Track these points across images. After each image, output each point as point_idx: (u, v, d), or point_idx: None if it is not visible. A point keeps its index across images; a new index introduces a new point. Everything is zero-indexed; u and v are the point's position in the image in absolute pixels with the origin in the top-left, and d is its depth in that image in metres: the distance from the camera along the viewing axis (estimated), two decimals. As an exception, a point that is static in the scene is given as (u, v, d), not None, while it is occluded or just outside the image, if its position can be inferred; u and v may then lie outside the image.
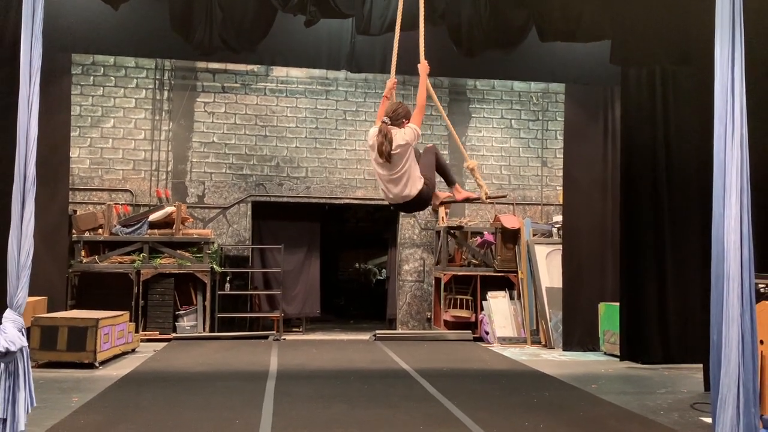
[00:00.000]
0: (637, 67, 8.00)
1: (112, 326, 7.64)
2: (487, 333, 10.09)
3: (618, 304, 8.22)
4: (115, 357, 7.76)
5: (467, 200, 5.59)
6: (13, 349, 3.61)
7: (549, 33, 7.17)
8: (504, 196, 9.15)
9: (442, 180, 5.53)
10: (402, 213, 5.42)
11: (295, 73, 11.07)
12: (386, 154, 4.77)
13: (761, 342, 4.82)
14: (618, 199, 8.52)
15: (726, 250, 3.93)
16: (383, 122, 4.90)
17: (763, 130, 5.41)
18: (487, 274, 10.49)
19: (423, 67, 5.27)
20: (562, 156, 10.12)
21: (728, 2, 3.91)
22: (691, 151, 7.38)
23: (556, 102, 11.61)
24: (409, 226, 11.41)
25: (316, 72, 10.94)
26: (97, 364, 7.14)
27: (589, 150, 9.35)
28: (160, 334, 9.46)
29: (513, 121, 11.80)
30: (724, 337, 4.05)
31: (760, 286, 5.04)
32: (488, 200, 5.69)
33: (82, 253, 9.53)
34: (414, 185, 4.90)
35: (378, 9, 6.88)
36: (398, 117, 4.93)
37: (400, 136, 4.87)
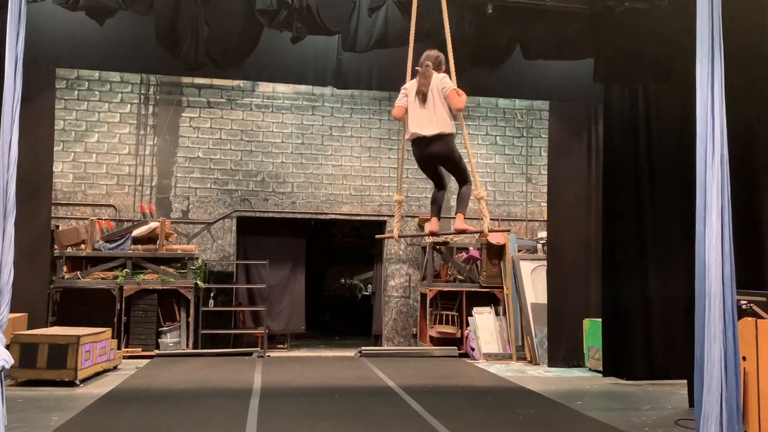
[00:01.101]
0: (619, 86, 8.10)
1: (94, 343, 7.54)
2: (473, 349, 10.08)
3: (601, 319, 8.26)
4: (97, 374, 7.65)
5: (464, 232, 5.63)
6: (7, 366, 3.62)
7: (533, 51, 7.27)
8: (508, 230, 9.21)
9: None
10: (429, 167, 5.43)
11: (282, 88, 11.09)
12: (423, 93, 5.12)
13: (744, 358, 4.87)
14: (601, 215, 8.59)
15: (707, 268, 3.97)
16: (426, 65, 5.21)
17: (743, 148, 5.49)
18: (472, 289, 10.50)
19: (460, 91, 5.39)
20: (546, 172, 10.20)
21: (707, 25, 3.99)
22: (674, 168, 7.47)
23: (541, 119, 11.73)
24: (394, 242, 11.40)
25: (303, 88, 10.97)
26: (77, 382, 7.03)
27: (573, 167, 9.43)
28: (142, 350, 9.34)
29: (498, 137, 11.89)
30: (707, 354, 4.08)
31: (742, 302, 5.10)
32: (489, 233, 5.73)
33: (64, 268, 9.42)
34: (448, 125, 5.17)
35: (364, 26, 6.92)
36: (439, 63, 5.32)
37: (439, 77, 5.25)
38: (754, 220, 6.38)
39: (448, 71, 5.40)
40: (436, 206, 5.61)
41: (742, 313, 5.06)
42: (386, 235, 5.63)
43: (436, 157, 5.27)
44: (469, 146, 5.52)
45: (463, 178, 5.47)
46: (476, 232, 5.92)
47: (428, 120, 5.11)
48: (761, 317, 5.21)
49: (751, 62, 6.43)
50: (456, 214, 5.52)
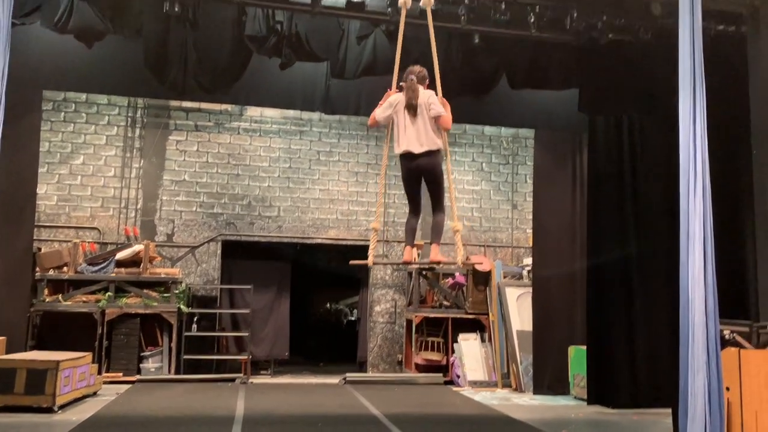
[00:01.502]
0: (604, 115, 8.21)
1: (74, 368, 7.40)
2: (459, 376, 10.02)
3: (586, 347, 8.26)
4: (76, 400, 7.50)
5: (439, 263, 5.66)
6: None
7: (519, 81, 7.37)
8: (481, 263, 9.20)
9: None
10: (419, 181, 5.39)
11: (270, 113, 11.12)
12: (414, 107, 5.11)
13: (727, 389, 4.87)
14: (586, 243, 8.63)
15: (691, 298, 3.99)
16: (411, 79, 5.19)
17: (726, 180, 5.56)
18: (458, 316, 10.47)
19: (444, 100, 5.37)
20: (531, 199, 10.27)
21: (689, 60, 4.07)
22: (658, 198, 7.55)
23: (526, 147, 11.84)
24: (381, 267, 11.38)
25: (291, 112, 11.01)
26: (56, 408, 6.88)
27: (558, 194, 9.50)
28: (123, 376, 9.19)
29: (484, 164, 11.97)
30: (691, 385, 4.09)
31: (725, 332, 5.12)
32: (463, 265, 5.76)
33: (46, 291, 9.28)
34: (436, 142, 5.20)
35: (353, 54, 7.00)
36: (423, 78, 5.29)
37: (426, 93, 5.24)
38: (737, 250, 6.46)
39: (432, 87, 5.40)
40: (412, 235, 5.59)
41: (725, 343, 5.08)
42: (361, 261, 5.59)
43: (424, 171, 5.27)
44: (452, 179, 5.53)
45: (440, 202, 5.46)
46: (451, 263, 5.94)
47: (417, 136, 5.14)
48: (744, 347, 5.23)
49: (732, 95, 6.56)
50: (431, 244, 5.51)
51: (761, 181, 6.30)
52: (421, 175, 5.28)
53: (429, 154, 5.15)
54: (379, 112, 5.27)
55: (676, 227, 4.32)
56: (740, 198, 6.67)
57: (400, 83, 5.31)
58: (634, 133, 8.27)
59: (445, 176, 5.38)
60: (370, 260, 5.53)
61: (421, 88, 5.24)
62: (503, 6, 6.62)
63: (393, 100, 5.23)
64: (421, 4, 5.27)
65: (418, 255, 11.03)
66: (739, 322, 5.49)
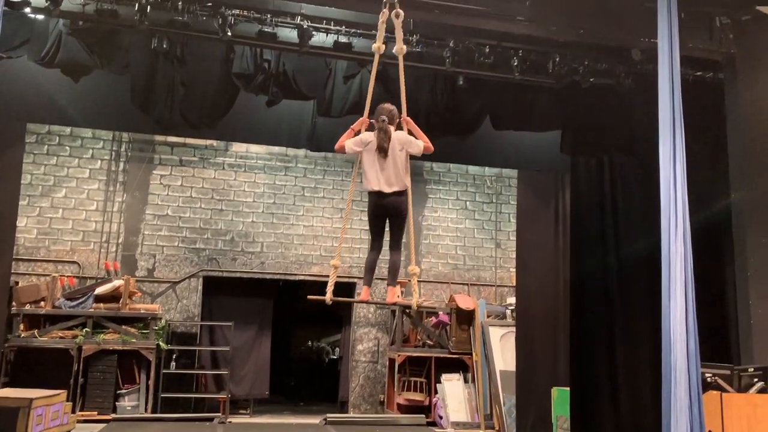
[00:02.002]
0: (585, 157, 8.32)
1: (47, 406, 7.21)
2: (441, 417, 9.89)
3: (569, 389, 8.20)
4: (48, 440, 7.29)
5: (395, 304, 5.63)
6: None
7: (502, 122, 7.49)
8: (434, 308, 9.17)
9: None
10: (386, 218, 5.33)
11: (255, 148, 11.14)
12: (385, 150, 5.08)
13: (710, 432, 4.85)
14: (569, 283, 8.65)
15: (673, 341, 4.00)
16: (381, 120, 5.13)
17: (706, 224, 5.64)
18: (441, 355, 10.39)
19: (409, 120, 5.36)
20: (515, 238, 10.31)
21: (668, 105, 4.16)
22: (640, 238, 7.61)
23: (510, 186, 11.94)
24: (364, 305, 11.30)
25: (276, 148, 11.04)
26: (26, 449, 6.68)
27: (541, 234, 9.54)
28: (98, 414, 8.95)
29: (468, 202, 12.04)
30: (673, 428, 4.08)
31: (707, 375, 5.13)
32: (418, 308, 5.75)
33: (21, 326, 9.07)
34: (406, 182, 5.19)
35: (339, 92, 7.09)
36: (393, 117, 5.21)
37: (397, 134, 5.20)
38: (718, 294, 6.52)
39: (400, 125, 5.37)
40: (371, 273, 5.51)
41: (707, 386, 5.08)
42: (319, 297, 5.53)
43: (391, 210, 5.24)
44: (412, 219, 5.51)
45: (399, 242, 5.44)
46: (407, 305, 5.88)
47: (387, 177, 5.13)
48: (726, 391, 5.23)
49: (710, 140, 6.71)
50: (388, 287, 5.50)
51: (740, 225, 6.39)
52: (387, 214, 5.27)
53: (398, 194, 5.17)
54: (350, 145, 5.22)
55: (658, 269, 4.36)
56: (720, 241, 6.76)
57: (371, 120, 5.30)
58: (616, 175, 8.38)
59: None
60: (328, 297, 5.42)
61: (391, 128, 5.23)
62: (487, 49, 6.77)
63: (365, 139, 5.20)
64: (394, 51, 5.33)
65: (401, 294, 11.00)
66: (721, 366, 5.50)
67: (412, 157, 9.53)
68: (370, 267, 5.45)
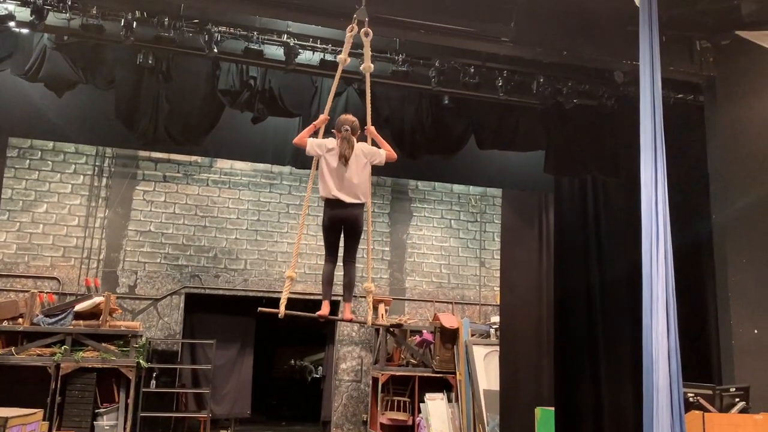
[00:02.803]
0: (569, 177, 8.40)
1: (23, 425, 7.05)
2: (424, 437, 9.82)
3: (553, 409, 8.18)
4: (22, 460, 7.12)
5: (350, 321, 5.51)
6: None
7: (487, 142, 7.55)
8: (399, 326, 9.13)
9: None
10: (343, 231, 5.21)
11: (240, 165, 11.11)
12: (347, 158, 4.98)
13: (692, 453, 4.85)
14: (552, 302, 8.67)
15: (655, 361, 4.02)
16: (345, 130, 5.04)
17: (687, 244, 5.69)
18: (425, 374, 10.33)
19: (372, 129, 5.33)
20: (499, 257, 10.34)
21: (650, 126, 4.21)
22: (622, 257, 7.67)
23: (494, 205, 12.00)
24: (348, 323, 11.23)
25: (261, 165, 11.01)
26: (0, 469, 6.52)
27: (525, 253, 9.58)
28: (75, 434, 8.78)
29: (452, 221, 12.08)
30: (657, 449, 4.07)
31: (689, 395, 5.14)
32: (373, 325, 5.65)
33: (-2, 343, 8.91)
34: (367, 194, 5.13)
35: (324, 110, 7.08)
36: (356, 128, 5.13)
37: (360, 146, 5.13)
38: (700, 314, 6.56)
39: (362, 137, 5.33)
40: (329, 288, 5.32)
41: (689, 406, 5.09)
42: (272, 310, 5.37)
43: (348, 222, 5.14)
44: (371, 232, 5.44)
45: (354, 256, 5.33)
46: (361, 323, 5.77)
47: (350, 187, 5.05)
48: (708, 410, 5.24)
49: (692, 161, 6.80)
50: (345, 302, 5.34)
51: (721, 245, 6.46)
52: (343, 225, 5.15)
53: (357, 206, 5.09)
54: (312, 145, 5.10)
55: (641, 288, 4.38)
56: (701, 262, 6.83)
57: (332, 130, 5.19)
58: (599, 194, 8.46)
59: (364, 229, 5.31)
60: (281, 311, 5.19)
61: (354, 139, 5.14)
62: (472, 69, 6.83)
63: (328, 144, 5.11)
64: (362, 68, 5.36)
65: (386, 312, 10.97)
66: (703, 386, 5.52)
67: (396, 175, 9.61)
68: (328, 280, 5.28)
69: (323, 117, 5.28)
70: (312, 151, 5.11)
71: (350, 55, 6.62)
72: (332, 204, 5.08)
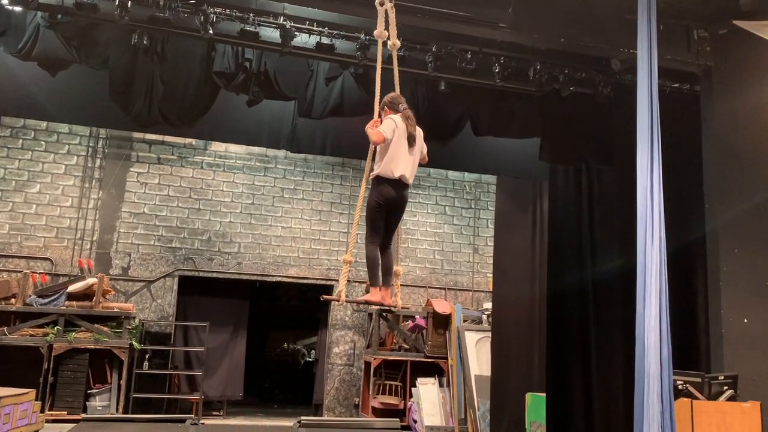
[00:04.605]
0: (564, 165, 8.40)
1: (15, 405, 7.07)
2: (416, 421, 9.89)
3: (544, 394, 8.25)
4: (15, 440, 7.15)
5: (394, 306, 5.34)
6: None
7: (482, 128, 7.53)
8: (411, 312, 8.99)
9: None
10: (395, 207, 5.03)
11: (234, 148, 11.07)
12: (414, 137, 4.90)
13: (680, 439, 4.91)
14: (545, 290, 8.71)
15: (646, 348, 4.05)
16: (406, 108, 4.99)
17: (680, 233, 5.72)
18: (417, 359, 10.40)
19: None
20: (492, 244, 10.36)
21: (647, 115, 4.22)
22: (616, 246, 7.69)
23: (488, 192, 12.01)
24: (341, 307, 11.27)
25: (256, 148, 10.98)
26: (-8, 448, 6.55)
27: (519, 240, 9.60)
28: (68, 414, 8.80)
29: (447, 207, 12.09)
30: (645, 435, 4.11)
31: (678, 383, 5.20)
32: (395, 308, 5.54)
33: (-10, 323, 8.91)
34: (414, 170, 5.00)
35: (320, 94, 7.06)
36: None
37: (419, 129, 5.09)
38: (690, 303, 6.60)
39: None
40: (379, 272, 5.06)
41: (678, 393, 5.15)
42: (332, 297, 5.28)
43: (400, 203, 4.97)
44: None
45: (392, 239, 5.20)
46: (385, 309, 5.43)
47: (412, 167, 4.92)
48: (697, 398, 5.30)
49: (686, 150, 6.81)
50: (387, 287, 5.08)
51: (713, 235, 6.50)
52: (396, 207, 4.96)
53: (408, 187, 4.98)
54: (389, 131, 4.78)
55: (633, 277, 4.41)
56: (694, 251, 6.86)
57: (400, 106, 5.03)
58: (593, 183, 8.45)
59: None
60: (341, 297, 5.07)
61: (413, 118, 5.05)
62: (469, 55, 6.80)
63: (398, 123, 4.88)
64: (388, 46, 5.33)
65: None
66: (692, 373, 5.58)
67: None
68: (376, 263, 5.02)
69: (374, 121, 5.02)
70: (390, 134, 4.79)
71: (346, 39, 6.63)
72: (393, 184, 4.83)
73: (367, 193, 5.03)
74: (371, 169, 4.95)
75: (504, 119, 7.58)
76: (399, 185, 4.84)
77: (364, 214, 4.98)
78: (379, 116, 5.01)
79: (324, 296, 5.47)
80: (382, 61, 5.23)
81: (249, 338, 11.38)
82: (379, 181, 4.83)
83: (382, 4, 5.12)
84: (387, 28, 5.27)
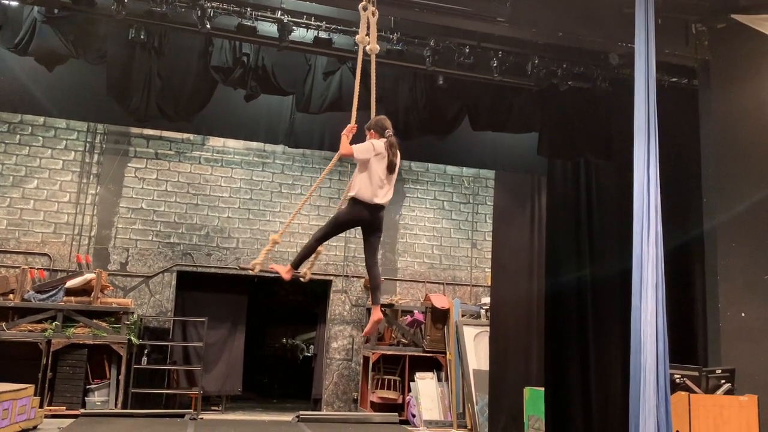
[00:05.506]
0: (562, 160, 8.40)
1: (14, 401, 7.08)
2: (414, 416, 9.92)
3: (542, 389, 8.27)
4: (14, 435, 7.16)
5: (378, 321, 5.32)
6: None
7: (481, 123, 7.52)
8: (391, 305, 8.81)
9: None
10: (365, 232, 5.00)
11: (232, 143, 11.05)
12: (394, 166, 4.84)
13: (677, 433, 4.93)
14: (543, 285, 8.72)
15: (643, 342, 4.06)
16: (391, 135, 4.90)
17: (677, 228, 5.72)
18: (415, 354, 10.42)
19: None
20: (491, 239, 10.37)
21: (644, 109, 4.22)
22: (613, 241, 7.70)
23: (487, 187, 12.01)
24: (339, 302, 11.29)
25: (254, 144, 10.95)
26: (-9, 443, 6.55)
27: (517, 235, 9.61)
28: (67, 409, 8.81)
29: (445, 202, 12.08)
30: (642, 428, 4.12)
31: (675, 376, 5.21)
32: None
33: (-12, 319, 8.90)
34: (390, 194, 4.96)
35: (318, 89, 7.05)
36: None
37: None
38: (687, 297, 6.61)
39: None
40: (305, 260, 5.18)
41: (675, 387, 5.16)
42: (251, 264, 5.38)
43: (374, 223, 4.91)
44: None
45: (377, 255, 5.13)
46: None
47: (389, 192, 4.89)
48: (694, 392, 5.32)
49: (684, 145, 6.81)
50: (374, 306, 5.01)
51: (711, 229, 6.51)
52: (367, 226, 4.92)
53: (383, 207, 4.90)
54: (359, 151, 4.78)
55: (630, 271, 4.42)
56: (691, 245, 6.87)
57: (368, 129, 4.96)
58: (591, 178, 8.46)
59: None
60: (256, 268, 5.25)
61: (396, 145, 4.94)
62: (467, 50, 6.79)
63: (377, 147, 4.83)
64: (367, 49, 5.26)
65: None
66: (689, 367, 5.59)
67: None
68: (308, 253, 5.11)
69: (351, 126, 5.01)
70: (362, 157, 4.77)
71: (344, 33, 6.61)
72: (369, 208, 4.81)
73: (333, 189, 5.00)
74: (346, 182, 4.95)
75: (502, 114, 7.57)
76: (375, 208, 4.85)
77: (316, 205, 5.02)
78: (367, 131, 4.99)
79: (241, 265, 5.52)
80: (372, 65, 5.19)
81: (247, 333, 11.38)
82: (356, 202, 4.83)
83: (365, 9, 5.05)
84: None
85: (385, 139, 4.84)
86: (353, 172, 4.98)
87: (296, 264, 5.17)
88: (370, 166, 4.80)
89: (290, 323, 15.24)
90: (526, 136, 7.93)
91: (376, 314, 4.85)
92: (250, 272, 11.01)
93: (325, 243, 5.20)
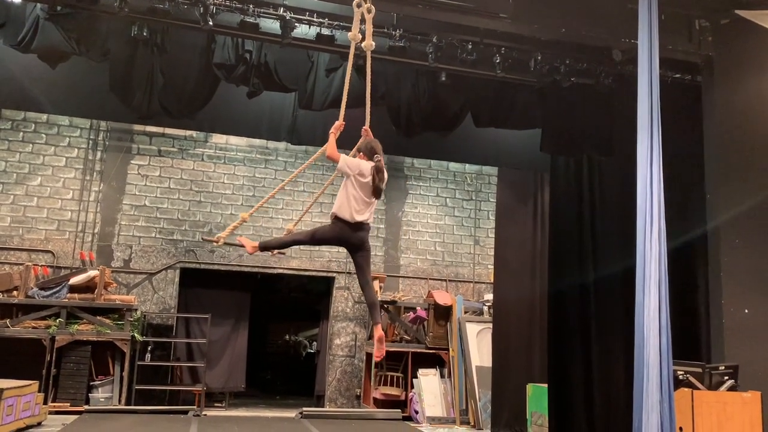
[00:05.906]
0: (565, 156, 8.38)
1: (18, 397, 7.11)
2: (417, 412, 9.93)
3: (545, 385, 8.27)
4: (19, 431, 7.18)
5: (380, 340, 5.27)
6: None
7: (483, 119, 7.51)
8: (393, 302, 8.80)
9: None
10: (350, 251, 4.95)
11: (235, 140, 11.05)
12: (380, 192, 4.76)
13: (680, 429, 4.93)
14: (546, 281, 8.71)
15: (646, 338, 4.06)
16: (380, 160, 4.83)
17: (681, 224, 5.71)
18: (418, 350, 10.42)
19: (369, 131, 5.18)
20: (493, 235, 10.36)
21: (647, 106, 4.21)
22: (616, 238, 7.69)
23: (489, 183, 11.99)
24: (342, 299, 11.30)
25: (256, 141, 10.96)
26: (-4, 440, 6.58)
27: (520, 232, 9.61)
28: (71, 406, 8.84)
29: (448, 199, 12.08)
30: (645, 424, 4.13)
31: (679, 373, 5.21)
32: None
33: (-7, 316, 8.93)
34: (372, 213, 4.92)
35: (321, 86, 7.05)
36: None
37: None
38: (691, 293, 6.60)
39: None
40: (282, 246, 5.45)
41: (678, 383, 5.16)
42: (211, 239, 5.38)
43: (360, 243, 4.83)
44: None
45: (370, 273, 4.99)
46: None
47: (367, 211, 4.80)
48: (697, 388, 5.32)
49: (687, 141, 6.79)
50: (375, 324, 4.92)
51: (714, 225, 6.49)
52: (353, 247, 4.86)
53: (367, 225, 4.83)
54: (343, 163, 4.74)
55: (633, 268, 4.41)
56: (694, 242, 6.85)
57: (359, 152, 4.94)
58: (594, 174, 8.44)
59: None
60: (220, 240, 5.19)
61: (384, 170, 4.89)
62: (470, 46, 6.78)
63: (363, 169, 4.75)
64: (363, 46, 5.23)
65: (381, 289, 11.01)
66: (693, 363, 5.59)
67: (392, 152, 9.43)
68: (279, 245, 5.27)
69: (339, 123, 5.02)
70: (343, 170, 4.74)
71: (346, 29, 6.59)
72: (351, 226, 4.74)
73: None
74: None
75: (505, 110, 7.56)
76: (357, 227, 4.76)
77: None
78: (357, 152, 4.96)
79: (204, 237, 5.48)
80: (367, 62, 5.13)
81: (251, 330, 11.40)
82: (337, 219, 4.76)
83: (359, 6, 5.01)
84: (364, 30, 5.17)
85: (373, 163, 4.76)
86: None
87: (264, 247, 5.14)
88: (353, 185, 4.73)
89: (293, 320, 15.25)
90: (528, 132, 7.92)
91: (377, 333, 4.76)
92: (254, 269, 11.04)
93: None
